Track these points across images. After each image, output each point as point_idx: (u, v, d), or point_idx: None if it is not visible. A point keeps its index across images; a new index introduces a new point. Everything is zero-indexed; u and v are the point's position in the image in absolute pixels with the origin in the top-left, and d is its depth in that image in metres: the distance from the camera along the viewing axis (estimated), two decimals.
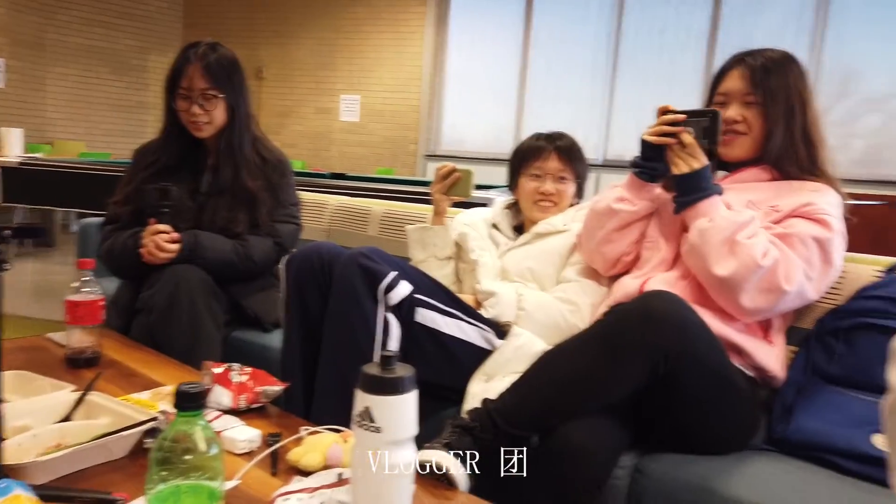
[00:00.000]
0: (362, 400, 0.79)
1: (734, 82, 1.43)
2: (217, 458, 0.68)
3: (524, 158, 1.74)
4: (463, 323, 1.42)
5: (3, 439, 0.88)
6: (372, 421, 0.78)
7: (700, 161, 1.35)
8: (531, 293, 1.56)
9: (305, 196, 2.28)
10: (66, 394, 1.16)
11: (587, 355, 1.15)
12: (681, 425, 1.22)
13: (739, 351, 1.32)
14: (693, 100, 5.02)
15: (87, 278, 1.42)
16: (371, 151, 7.48)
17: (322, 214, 2.41)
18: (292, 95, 7.72)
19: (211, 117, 1.81)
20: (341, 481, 0.93)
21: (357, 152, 7.54)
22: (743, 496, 1.10)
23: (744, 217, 1.32)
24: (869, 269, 1.44)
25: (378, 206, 2.29)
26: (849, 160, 5.47)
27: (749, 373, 1.33)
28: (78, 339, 1.43)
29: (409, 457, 0.81)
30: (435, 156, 7.26)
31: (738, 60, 1.44)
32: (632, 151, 1.59)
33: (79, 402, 1.12)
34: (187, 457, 0.66)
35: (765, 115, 1.40)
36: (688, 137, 1.36)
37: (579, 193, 1.76)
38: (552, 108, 6.87)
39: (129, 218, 1.84)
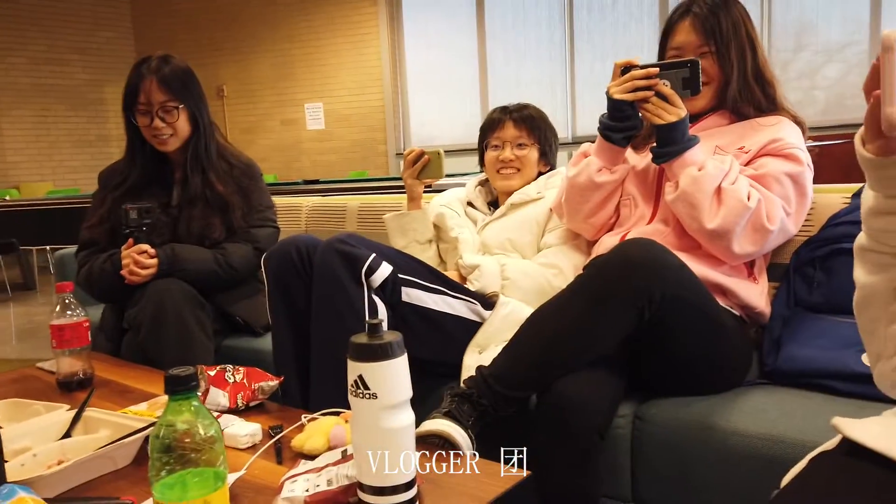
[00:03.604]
0: (354, 369, 0.80)
1: (686, 35, 1.44)
2: (217, 438, 0.69)
3: (485, 132, 1.78)
4: (449, 298, 1.43)
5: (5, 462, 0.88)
6: (366, 388, 0.79)
7: (682, 110, 1.35)
8: (513, 262, 1.57)
9: (279, 201, 2.28)
10: (61, 413, 1.16)
11: (572, 309, 1.16)
12: (674, 368, 1.24)
13: (724, 291, 1.35)
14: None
15: (69, 301, 1.41)
16: (342, 157, 7.46)
17: (298, 217, 2.41)
18: (256, 110, 7.68)
19: (175, 129, 1.80)
20: (346, 458, 0.94)
21: (328, 159, 7.51)
22: (743, 428, 1.12)
23: (727, 164, 1.34)
24: (837, 198, 1.48)
25: (353, 201, 2.30)
26: (814, 112, 5.54)
27: (736, 312, 1.36)
28: (68, 363, 1.42)
29: (407, 419, 0.82)
30: None
31: (685, 12, 1.45)
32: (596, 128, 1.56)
33: (76, 418, 1.12)
34: (186, 440, 0.66)
35: (720, 62, 1.43)
36: (666, 88, 1.36)
37: (548, 160, 1.77)
38: (516, 94, 6.86)
39: (105, 239, 1.83)
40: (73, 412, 1.14)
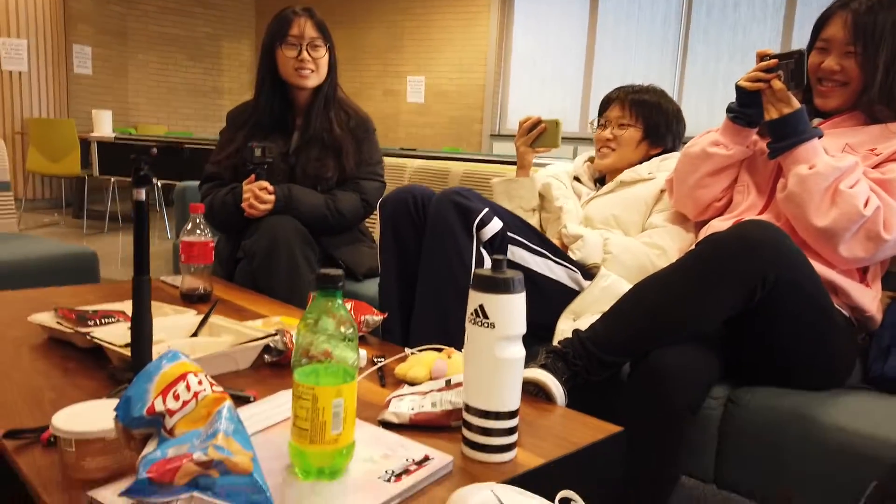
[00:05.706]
0: (476, 299, 0.84)
1: (835, 30, 1.37)
2: (353, 337, 0.75)
3: (599, 111, 1.79)
4: (552, 262, 1.46)
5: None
6: (486, 317, 0.84)
7: (790, 106, 1.33)
8: (617, 237, 1.58)
9: (385, 159, 2.35)
10: (190, 316, 1.27)
11: (680, 283, 1.17)
12: (776, 355, 1.22)
13: (836, 290, 1.31)
14: None
15: (199, 221, 1.53)
16: (437, 132, 7.56)
17: (402, 176, 2.48)
18: (361, 77, 7.87)
19: (318, 65, 1.93)
20: (450, 386, 0.99)
21: (423, 133, 7.63)
22: (844, 424, 1.10)
23: (846, 163, 1.28)
24: None
25: (458, 166, 2.35)
26: None
27: (846, 312, 1.32)
28: (191, 278, 1.55)
29: (519, 352, 0.86)
30: (500, 135, 7.28)
31: (843, 4, 1.38)
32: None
33: (203, 321, 1.22)
34: (328, 331, 0.73)
35: (864, 65, 1.35)
36: (777, 83, 1.34)
37: (655, 143, 1.74)
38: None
39: (228, 174, 1.96)
40: (201, 317, 1.25)
